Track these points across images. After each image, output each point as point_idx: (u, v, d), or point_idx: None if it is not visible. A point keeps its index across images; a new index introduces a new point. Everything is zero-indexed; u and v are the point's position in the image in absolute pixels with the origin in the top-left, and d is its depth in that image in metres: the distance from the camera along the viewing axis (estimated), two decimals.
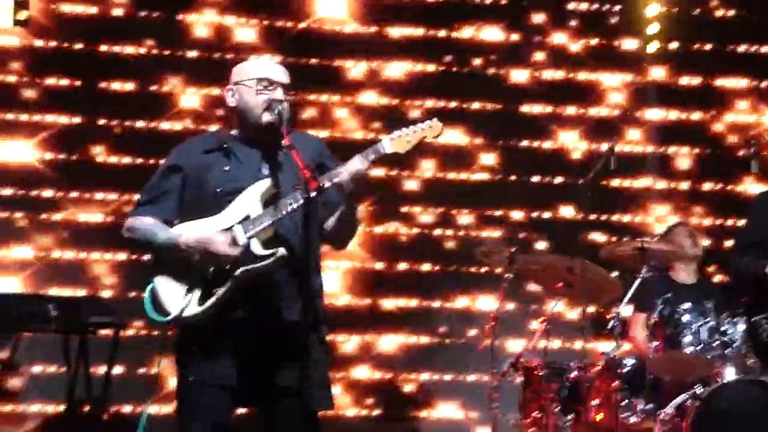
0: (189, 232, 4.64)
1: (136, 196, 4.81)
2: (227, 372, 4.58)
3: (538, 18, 9.34)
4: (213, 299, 4.58)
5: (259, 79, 4.75)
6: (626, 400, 6.75)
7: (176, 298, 4.61)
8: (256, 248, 4.61)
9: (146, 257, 4.86)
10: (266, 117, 4.72)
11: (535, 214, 9.11)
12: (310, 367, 4.39)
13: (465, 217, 9.07)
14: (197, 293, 4.60)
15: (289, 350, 4.57)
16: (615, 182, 9.24)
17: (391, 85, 9.06)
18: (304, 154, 4.57)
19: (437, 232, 8.99)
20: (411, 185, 9.02)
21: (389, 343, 8.83)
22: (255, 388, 4.62)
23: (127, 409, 7.97)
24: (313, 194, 4.40)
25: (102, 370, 7.32)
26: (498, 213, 9.08)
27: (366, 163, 4.61)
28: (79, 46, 8.64)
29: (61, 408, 7.50)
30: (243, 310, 4.61)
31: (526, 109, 9.19)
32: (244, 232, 4.63)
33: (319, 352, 4.62)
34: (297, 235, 4.56)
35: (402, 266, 8.87)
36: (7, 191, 8.43)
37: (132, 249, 4.74)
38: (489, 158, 9.13)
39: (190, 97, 8.74)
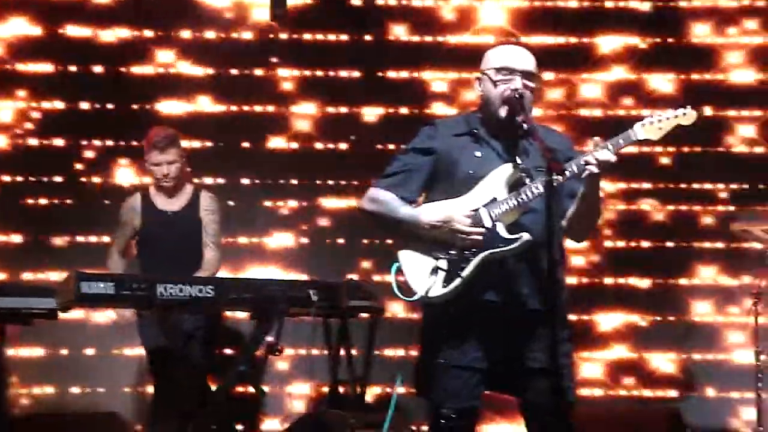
0: (432, 211, 4.70)
1: None
2: (477, 354, 4.65)
3: None
4: (458, 281, 4.65)
5: (497, 68, 4.72)
6: None
7: (421, 278, 4.70)
8: (502, 231, 4.66)
9: (390, 241, 4.97)
10: (502, 112, 4.69)
11: None
12: (558, 352, 4.43)
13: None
14: (441, 274, 4.67)
15: (537, 333, 4.61)
16: None
17: None
18: (551, 144, 4.57)
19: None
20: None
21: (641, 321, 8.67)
22: (505, 370, 4.68)
23: (381, 390, 8.16)
24: (556, 177, 4.41)
25: (362, 352, 7.51)
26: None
27: (614, 151, 4.53)
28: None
29: (324, 389, 7.74)
30: (488, 293, 4.67)
31: None
32: (489, 214, 4.67)
33: (563, 340, 4.64)
34: (541, 221, 4.54)
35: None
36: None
37: (373, 221, 4.82)
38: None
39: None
